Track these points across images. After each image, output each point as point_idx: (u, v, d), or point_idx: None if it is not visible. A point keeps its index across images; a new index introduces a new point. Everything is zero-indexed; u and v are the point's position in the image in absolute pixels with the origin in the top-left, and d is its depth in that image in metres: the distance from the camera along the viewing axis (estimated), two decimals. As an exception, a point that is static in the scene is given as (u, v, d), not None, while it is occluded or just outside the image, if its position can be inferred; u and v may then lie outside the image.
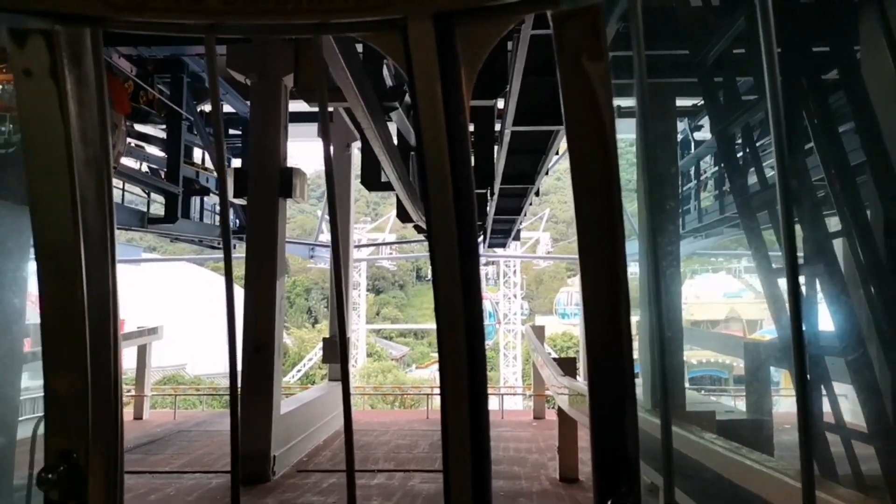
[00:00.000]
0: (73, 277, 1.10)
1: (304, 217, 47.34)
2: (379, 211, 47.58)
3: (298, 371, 32.38)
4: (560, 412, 7.03)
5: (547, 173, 8.68)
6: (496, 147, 6.56)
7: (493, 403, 17.03)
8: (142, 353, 11.15)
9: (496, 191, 8.11)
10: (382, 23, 0.88)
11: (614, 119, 0.88)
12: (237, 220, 10.74)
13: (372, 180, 6.95)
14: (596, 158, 0.91)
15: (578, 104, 0.89)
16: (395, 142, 8.68)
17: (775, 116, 0.85)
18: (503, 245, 18.54)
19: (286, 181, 7.09)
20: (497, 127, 5.96)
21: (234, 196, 6.96)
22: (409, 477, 7.15)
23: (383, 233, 38.15)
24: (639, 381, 9.30)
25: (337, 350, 11.23)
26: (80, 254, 1.09)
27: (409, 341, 46.43)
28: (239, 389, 1.38)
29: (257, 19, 0.90)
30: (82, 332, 1.12)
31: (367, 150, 6.09)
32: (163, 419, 11.26)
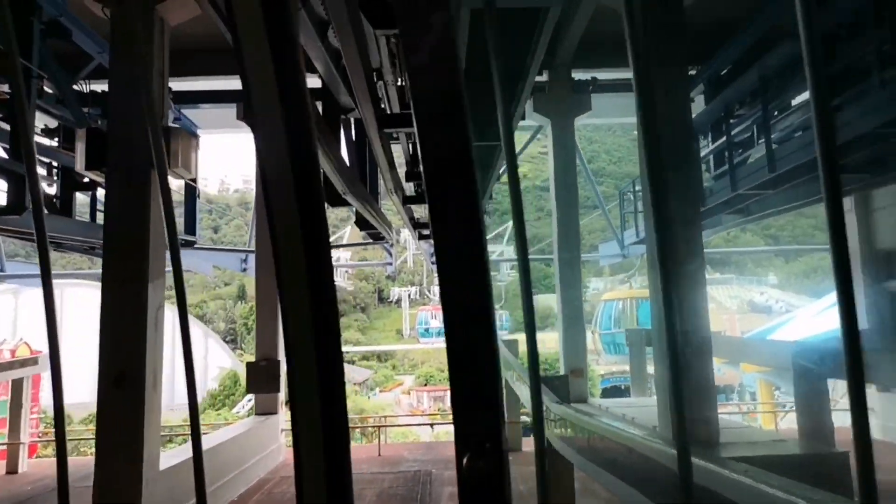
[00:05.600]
0: None
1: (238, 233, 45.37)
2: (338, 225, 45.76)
3: (249, 401, 29.94)
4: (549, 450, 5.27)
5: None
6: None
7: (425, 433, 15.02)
8: (17, 389, 8.84)
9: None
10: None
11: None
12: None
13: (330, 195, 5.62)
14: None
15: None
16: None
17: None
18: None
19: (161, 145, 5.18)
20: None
21: (87, 167, 5.00)
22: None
23: (337, 251, 36.14)
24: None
25: (265, 376, 9.27)
26: None
27: (373, 364, 46.57)
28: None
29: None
30: None
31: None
32: (44, 471, 9.02)
